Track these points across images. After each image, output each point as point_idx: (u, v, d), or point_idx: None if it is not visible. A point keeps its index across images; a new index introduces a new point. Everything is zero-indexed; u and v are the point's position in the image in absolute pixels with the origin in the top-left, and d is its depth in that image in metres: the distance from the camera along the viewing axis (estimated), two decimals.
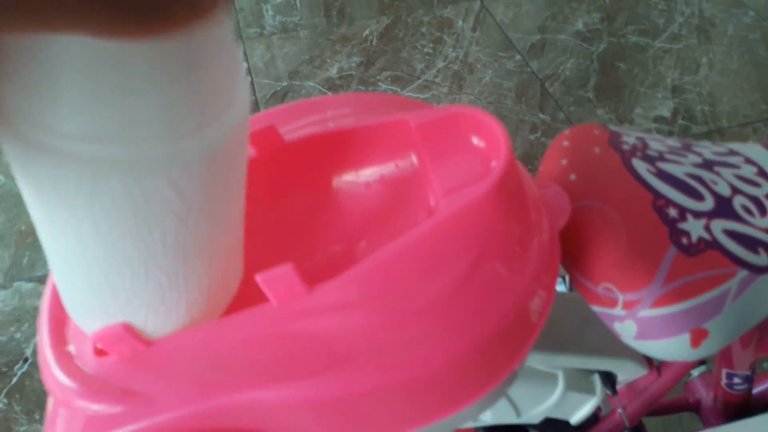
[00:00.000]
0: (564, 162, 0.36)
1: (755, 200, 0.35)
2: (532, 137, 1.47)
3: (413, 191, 0.31)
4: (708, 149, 0.39)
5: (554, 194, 0.32)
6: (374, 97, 0.33)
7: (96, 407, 0.26)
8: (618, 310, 0.33)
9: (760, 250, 0.34)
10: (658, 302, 0.32)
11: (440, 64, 1.68)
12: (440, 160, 0.28)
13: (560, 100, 1.55)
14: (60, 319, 0.30)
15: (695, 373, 0.67)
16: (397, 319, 0.26)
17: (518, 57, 1.68)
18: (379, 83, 1.64)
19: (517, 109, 1.54)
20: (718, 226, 0.34)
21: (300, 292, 0.25)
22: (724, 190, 0.35)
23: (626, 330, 0.34)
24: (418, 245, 0.26)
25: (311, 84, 1.65)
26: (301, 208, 0.31)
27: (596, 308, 0.35)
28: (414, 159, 0.30)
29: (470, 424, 0.50)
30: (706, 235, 0.34)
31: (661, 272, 0.32)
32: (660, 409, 0.66)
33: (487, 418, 0.47)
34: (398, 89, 1.62)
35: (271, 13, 1.90)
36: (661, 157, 0.37)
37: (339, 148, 0.30)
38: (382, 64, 1.69)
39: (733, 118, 1.49)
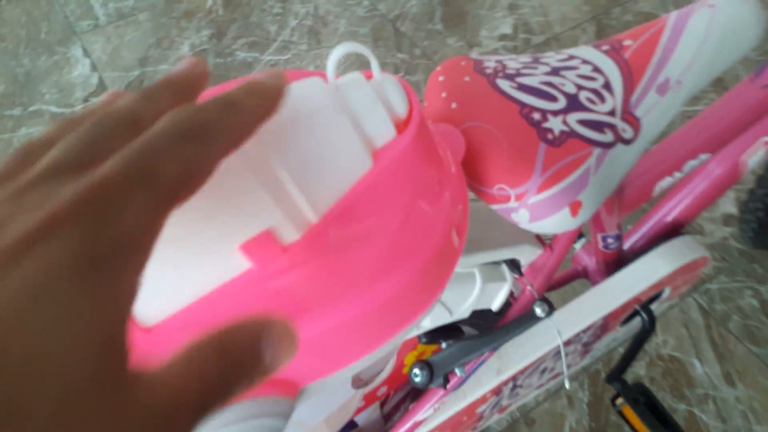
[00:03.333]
0: (444, 95, 0.43)
1: (595, 92, 0.44)
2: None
3: None
4: (552, 58, 0.47)
5: (449, 132, 0.38)
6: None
7: None
8: (512, 203, 0.41)
9: (606, 130, 0.43)
10: (540, 188, 0.40)
11: (293, 23, 1.70)
12: None
13: (413, 37, 1.63)
14: None
15: (578, 246, 0.79)
16: (361, 260, 0.31)
17: (367, 2, 1.73)
18: (237, 53, 1.63)
19: (377, 52, 1.60)
20: (573, 118, 0.42)
21: (277, 253, 0.30)
22: (571, 89, 0.44)
23: (521, 217, 0.42)
24: (363, 198, 0.31)
25: (166, 67, 1.60)
26: None
27: (495, 207, 0.42)
28: None
29: (413, 333, 0.57)
30: (565, 128, 0.42)
31: (537, 165, 0.40)
32: (557, 283, 0.78)
33: (427, 323, 0.54)
34: (258, 54, 1.62)
35: (101, 1, 1.80)
36: (518, 74, 0.44)
37: None
38: (234, 33, 1.68)
39: (564, 23, 1.65)
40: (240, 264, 0.31)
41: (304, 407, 0.60)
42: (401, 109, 0.33)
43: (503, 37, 1.62)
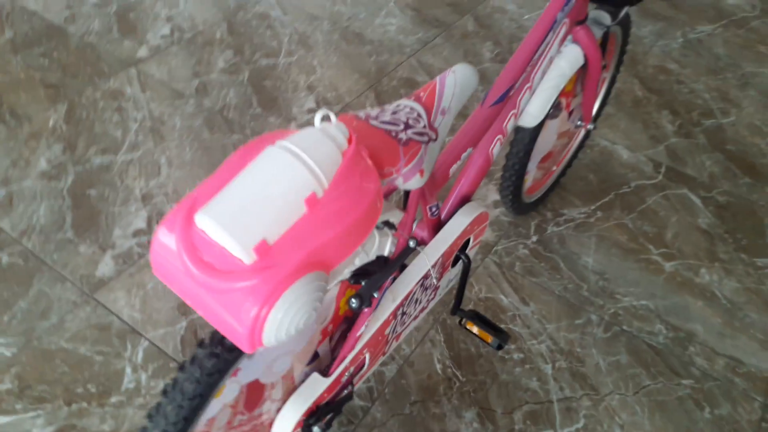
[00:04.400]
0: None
1: (415, 119, 0.90)
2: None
3: None
4: (390, 107, 0.92)
5: (360, 146, 0.81)
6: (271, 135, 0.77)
7: (252, 281, 0.66)
8: (394, 175, 0.85)
9: (424, 135, 0.89)
10: (405, 165, 0.84)
11: (134, 126, 1.99)
12: None
13: (241, 121, 2.03)
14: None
15: (414, 225, 1.25)
16: (347, 203, 0.72)
17: (192, 100, 2.09)
18: (93, 159, 1.88)
19: (215, 137, 1.97)
20: (410, 131, 0.88)
21: (316, 202, 0.70)
22: (404, 119, 0.89)
23: (400, 182, 0.85)
24: (343, 175, 0.72)
25: (30, 182, 1.79)
26: None
27: (386, 179, 0.85)
28: None
29: (346, 276, 0.97)
30: (407, 137, 0.87)
31: (401, 155, 0.84)
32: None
33: (357, 262, 0.95)
34: (113, 156, 1.88)
35: None
36: (378, 116, 0.89)
37: None
38: (84, 143, 1.92)
39: (351, 94, 2.18)
40: (301, 209, 0.70)
41: (292, 341, 0.95)
42: (347, 133, 0.75)
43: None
